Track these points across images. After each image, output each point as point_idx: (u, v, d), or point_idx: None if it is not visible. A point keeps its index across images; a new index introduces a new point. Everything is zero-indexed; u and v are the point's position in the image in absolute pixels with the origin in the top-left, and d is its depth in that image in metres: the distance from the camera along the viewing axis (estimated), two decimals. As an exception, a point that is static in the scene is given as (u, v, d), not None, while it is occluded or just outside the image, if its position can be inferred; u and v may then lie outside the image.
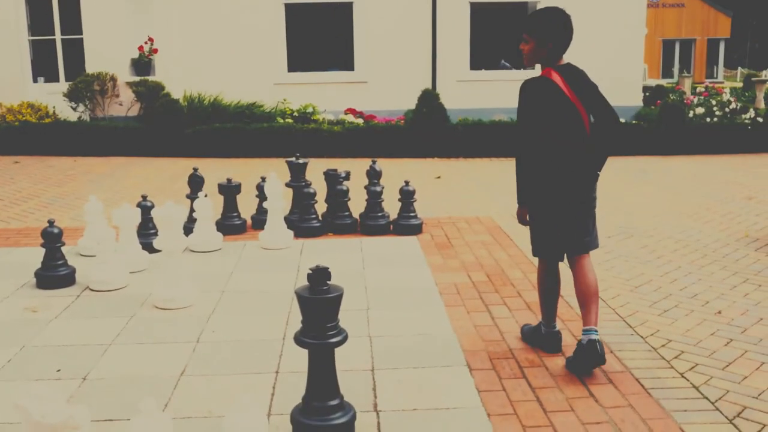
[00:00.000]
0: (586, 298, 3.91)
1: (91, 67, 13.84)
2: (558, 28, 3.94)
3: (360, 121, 13.38)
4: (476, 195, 9.23)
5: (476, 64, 15.18)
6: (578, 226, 3.97)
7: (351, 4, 14.77)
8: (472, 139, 12.81)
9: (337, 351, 3.26)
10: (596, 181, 3.96)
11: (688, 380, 3.87)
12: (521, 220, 4.15)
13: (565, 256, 4.08)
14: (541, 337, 4.21)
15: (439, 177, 10.37)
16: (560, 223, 3.98)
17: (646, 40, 17.40)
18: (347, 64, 15.00)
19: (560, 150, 3.88)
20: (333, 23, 15.10)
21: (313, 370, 3.24)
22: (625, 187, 10.05)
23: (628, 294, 5.39)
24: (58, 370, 4.01)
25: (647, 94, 17.35)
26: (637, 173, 11.25)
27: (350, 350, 3.89)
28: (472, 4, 15.04)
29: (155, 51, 13.94)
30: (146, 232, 6.25)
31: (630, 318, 4.84)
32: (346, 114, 13.79)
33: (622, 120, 13.89)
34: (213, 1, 14.17)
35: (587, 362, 3.80)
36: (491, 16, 15.34)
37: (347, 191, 6.86)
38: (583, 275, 3.95)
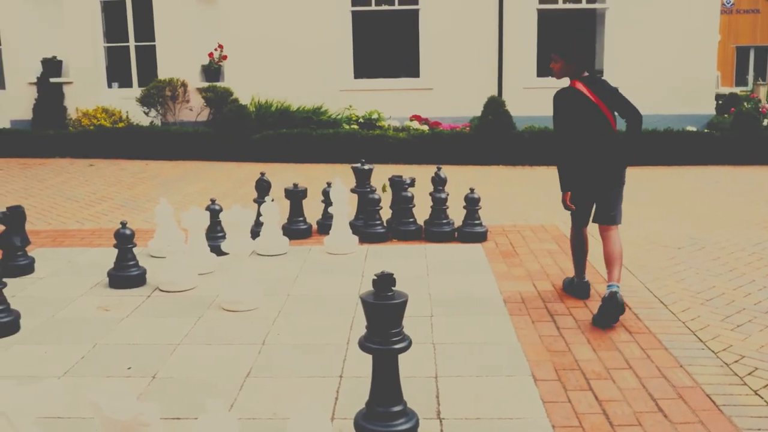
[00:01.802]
0: (611, 261, 4.79)
1: (163, 73, 14.18)
2: (582, 51, 4.86)
3: (425, 127, 13.38)
4: (541, 203, 9.12)
5: (543, 71, 15.04)
6: (606, 203, 4.89)
7: (417, 11, 14.80)
8: (538, 146, 12.68)
9: (401, 357, 3.26)
10: (625, 169, 4.84)
11: (762, 398, 3.75)
12: (565, 206, 4.97)
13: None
14: (573, 287, 5.22)
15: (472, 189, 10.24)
16: (591, 199, 4.94)
17: (720, 47, 16.99)
18: (412, 70, 15.02)
19: (589, 143, 4.79)
20: (399, 30, 15.16)
21: (377, 375, 3.25)
22: (696, 197, 9.80)
23: (699, 307, 5.25)
24: (129, 368, 4.11)
25: (720, 102, 16.91)
26: (709, 183, 10.96)
27: (414, 357, 3.89)
28: (540, 11, 14.90)
29: (224, 58, 14.21)
30: (214, 235, 6.36)
31: (701, 332, 4.71)
32: (411, 120, 13.81)
33: (694, 128, 13.57)
34: (281, 8, 14.37)
35: (610, 312, 4.55)
36: (558, 22, 15.18)
37: (412, 198, 6.87)
38: (610, 243, 4.84)
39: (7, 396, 2.71)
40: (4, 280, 4.74)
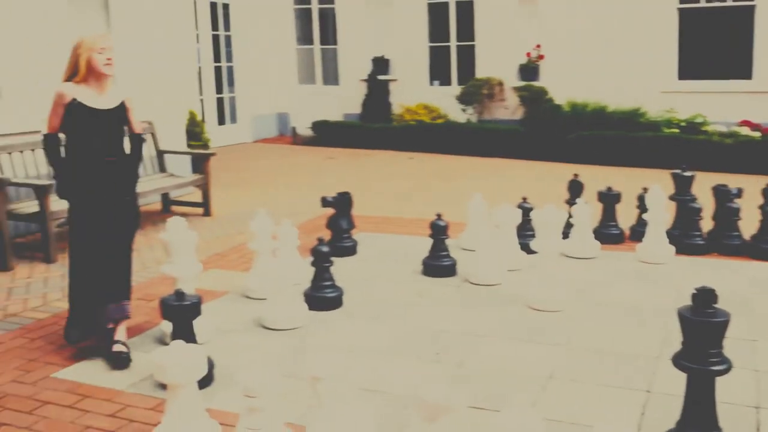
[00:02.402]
0: None
1: (481, 72, 14.55)
2: None
3: (757, 134, 12.26)
4: None
5: None
6: None
7: (752, 7, 13.58)
8: None
9: (718, 381, 3.04)
10: None
11: None
12: None
13: None
14: None
15: None
16: None
17: None
18: (744, 72, 13.82)
19: None
20: (729, 28, 14.03)
21: (690, 396, 3.07)
22: None
23: None
24: (437, 354, 4.30)
25: None
26: None
27: (733, 382, 3.60)
28: None
29: (541, 57, 14.21)
30: (525, 233, 6.40)
31: None
32: (740, 126, 12.73)
33: None
34: (602, 7, 14.01)
35: None
36: None
37: (738, 210, 6.34)
38: None
39: (334, 366, 2.97)
40: (332, 258, 5.20)
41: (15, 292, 5.63)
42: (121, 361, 4.17)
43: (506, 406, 2.78)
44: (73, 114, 4.24)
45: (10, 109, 7.14)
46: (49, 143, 4.35)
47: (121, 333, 4.35)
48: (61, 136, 4.36)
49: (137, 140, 4.55)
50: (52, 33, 7.50)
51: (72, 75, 4.30)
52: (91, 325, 4.34)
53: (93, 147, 4.28)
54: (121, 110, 4.40)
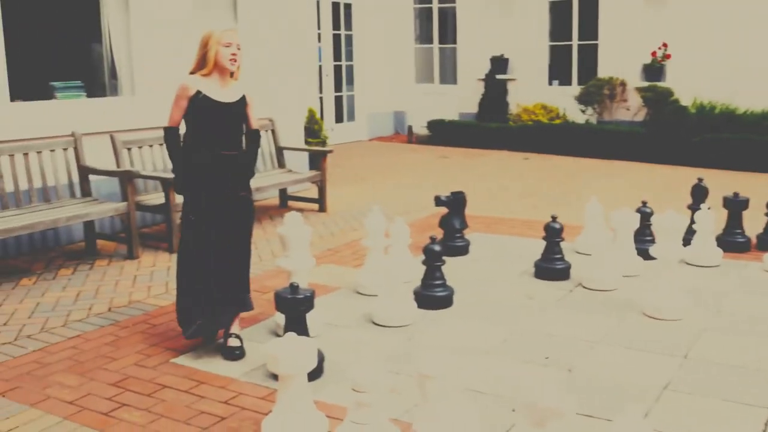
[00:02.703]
0: None
1: (603, 71, 14.18)
2: None
3: None
4: None
5: None
6: None
7: None
8: None
9: None
10: None
11: None
12: None
13: None
14: None
15: None
16: None
17: None
18: None
19: None
20: None
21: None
22: None
23: None
24: (547, 358, 4.23)
25: None
26: None
27: None
28: None
29: (668, 57, 13.70)
30: (643, 238, 6.21)
31: None
32: None
33: None
34: (735, 6, 13.38)
35: None
36: None
37: None
38: None
39: (442, 364, 2.98)
40: (443, 257, 5.20)
41: (140, 279, 5.92)
42: (234, 356, 4.26)
43: (617, 416, 2.71)
44: (196, 106, 4.25)
45: (142, 105, 7.51)
46: (170, 136, 4.39)
47: (235, 326, 4.42)
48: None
49: (254, 136, 4.55)
50: (179, 32, 7.83)
51: (199, 68, 4.32)
52: (210, 323, 4.35)
53: (213, 140, 4.29)
54: (242, 105, 4.39)
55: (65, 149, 6.58)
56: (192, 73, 4.34)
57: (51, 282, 5.80)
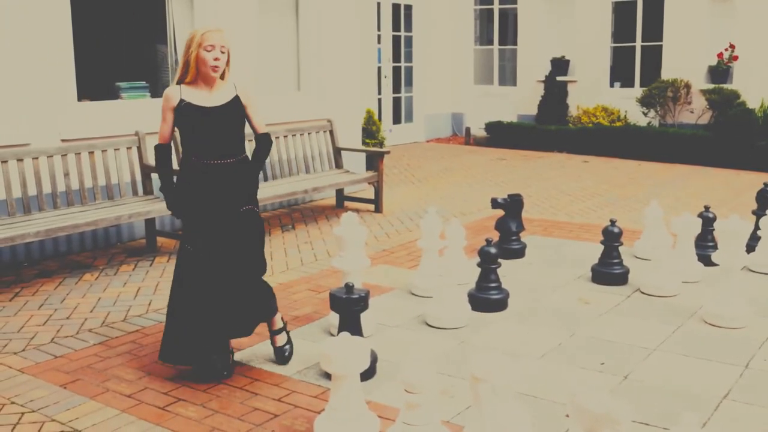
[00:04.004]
0: None
1: (667, 73, 13.89)
2: None
3: None
4: None
5: None
6: None
7: None
8: None
9: None
10: None
11: None
12: None
13: None
14: None
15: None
16: None
17: None
18: None
19: None
20: None
21: None
22: None
23: None
24: (602, 363, 4.17)
25: None
26: None
27: None
28: None
29: (735, 58, 13.36)
30: (704, 243, 6.06)
31: None
32: None
33: None
34: (809, 4, 12.98)
35: None
36: None
37: None
38: None
39: (495, 368, 2.96)
40: (499, 260, 5.16)
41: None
42: (283, 358, 4.17)
43: (674, 425, 2.65)
44: (182, 116, 3.91)
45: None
46: (157, 153, 4.08)
47: (278, 322, 4.21)
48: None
49: (263, 142, 4.14)
50: (243, 32, 7.95)
51: (183, 75, 3.96)
52: (225, 358, 4.03)
53: (202, 149, 3.90)
54: (234, 107, 3.98)
55: (129, 148, 6.74)
56: (178, 81, 3.99)
57: (112, 278, 5.95)
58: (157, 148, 4.09)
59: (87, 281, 5.86)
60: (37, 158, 6.07)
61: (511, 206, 6.38)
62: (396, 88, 14.93)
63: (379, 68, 14.26)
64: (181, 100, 3.91)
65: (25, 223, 5.68)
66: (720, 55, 13.52)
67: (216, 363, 3.99)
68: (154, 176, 6.87)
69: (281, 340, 4.23)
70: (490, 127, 14.70)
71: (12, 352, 4.43)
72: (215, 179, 3.93)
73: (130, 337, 4.66)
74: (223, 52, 3.90)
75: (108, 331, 4.78)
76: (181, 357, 3.99)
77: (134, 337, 4.67)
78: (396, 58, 14.84)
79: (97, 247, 6.86)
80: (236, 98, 3.99)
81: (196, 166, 3.93)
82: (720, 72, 13.57)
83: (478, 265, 5.12)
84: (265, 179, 7.73)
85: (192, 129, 3.94)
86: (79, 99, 6.82)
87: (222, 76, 3.99)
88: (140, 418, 3.60)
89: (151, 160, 6.79)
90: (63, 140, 6.51)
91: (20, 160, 5.97)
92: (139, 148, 6.76)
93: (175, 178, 4.11)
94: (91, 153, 6.46)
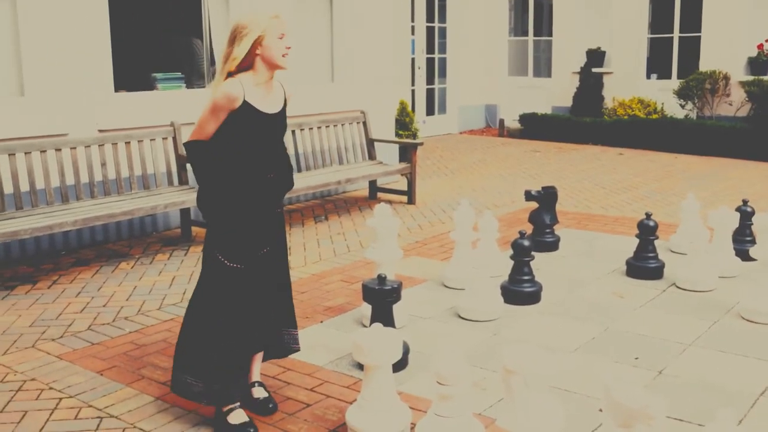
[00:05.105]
0: None
1: (705, 65, 13.68)
2: None
3: None
4: None
5: None
6: None
7: None
8: None
9: None
10: None
11: None
12: None
13: None
14: None
15: None
16: None
17: None
18: None
19: None
20: None
21: None
22: None
23: None
24: (636, 358, 4.13)
25: None
26: None
27: None
28: None
29: (776, 49, 13.13)
30: (742, 238, 5.97)
31: None
32: None
33: None
34: None
35: None
36: None
37: None
38: None
39: (528, 361, 2.94)
40: (532, 253, 5.13)
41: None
42: (266, 409, 3.56)
43: (709, 421, 2.62)
44: (239, 120, 3.27)
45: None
46: (198, 151, 3.36)
47: (256, 371, 3.69)
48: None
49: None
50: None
51: (243, 67, 3.32)
52: (237, 376, 3.51)
53: (256, 162, 3.35)
54: (285, 111, 3.47)
55: (165, 138, 6.80)
56: (232, 74, 3.32)
57: (148, 266, 6.02)
58: (194, 145, 3.35)
59: (123, 270, 5.94)
60: (74, 148, 6.16)
61: (545, 198, 6.34)
62: (429, 80, 14.89)
63: (413, 59, 14.23)
64: (244, 102, 3.26)
65: (63, 212, 5.77)
66: (760, 46, 13.28)
67: (232, 392, 3.44)
68: (190, 167, 6.93)
69: (261, 391, 3.65)
70: (524, 118, 14.60)
71: (50, 339, 4.51)
72: (268, 194, 3.44)
73: (165, 326, 4.71)
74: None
75: (143, 319, 4.85)
76: (202, 384, 3.39)
77: (169, 325, 4.72)
78: (430, 49, 14.79)
79: (133, 236, 6.94)
80: (285, 102, 3.48)
81: (249, 181, 3.35)
82: (760, 63, 13.33)
83: (512, 257, 5.10)
84: (299, 170, 7.75)
85: (250, 138, 3.33)
86: (116, 90, 6.89)
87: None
88: (175, 405, 3.64)
89: (186, 150, 6.84)
90: (100, 130, 6.59)
91: (58, 149, 6.06)
92: (174, 138, 6.82)
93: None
94: (128, 143, 6.54)
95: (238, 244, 3.39)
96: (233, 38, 3.29)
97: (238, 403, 3.43)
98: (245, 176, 3.33)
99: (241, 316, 3.42)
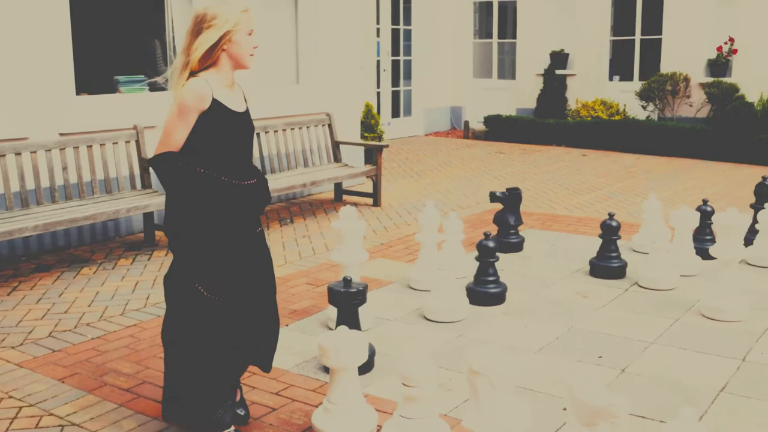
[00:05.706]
0: None
1: (666, 67, 13.88)
2: None
3: None
4: None
5: None
6: None
7: None
8: None
9: None
10: None
11: None
12: None
13: None
14: None
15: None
16: None
17: None
18: None
19: None
20: None
21: None
22: None
23: None
24: (600, 357, 4.18)
25: None
26: None
27: None
28: None
29: (734, 52, 13.35)
30: (702, 237, 6.07)
31: None
32: None
33: None
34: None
35: None
36: None
37: None
38: None
39: (493, 361, 2.96)
40: (497, 254, 5.16)
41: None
42: (241, 418, 3.45)
43: (671, 418, 2.65)
44: (211, 121, 2.99)
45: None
46: (169, 166, 3.01)
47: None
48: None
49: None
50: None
51: (203, 63, 3.03)
52: (214, 403, 3.21)
53: (237, 166, 3.09)
54: (249, 112, 3.24)
55: (127, 142, 6.72)
56: (195, 72, 3.04)
57: (110, 271, 5.95)
58: (166, 158, 3.01)
59: (85, 275, 5.86)
60: (35, 152, 6.07)
61: (510, 200, 6.38)
62: (395, 82, 14.91)
63: (378, 62, 14.25)
64: (213, 100, 3.00)
65: (24, 217, 5.68)
66: (719, 48, 13.51)
67: (225, 417, 3.22)
68: (152, 170, 6.86)
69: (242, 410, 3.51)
70: (489, 120, 14.70)
71: (10, 346, 4.44)
72: (245, 203, 3.13)
73: (128, 331, 4.66)
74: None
75: (106, 325, 4.79)
76: (193, 415, 3.23)
77: (132, 331, 4.67)
78: (395, 51, 14.82)
79: (96, 241, 6.85)
80: (246, 103, 3.26)
81: (225, 188, 3.04)
82: (719, 65, 13.57)
83: (477, 258, 5.12)
84: (265, 173, 7.71)
85: (227, 139, 3.06)
86: (78, 93, 6.80)
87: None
88: (138, 412, 3.60)
89: (149, 153, 6.78)
90: (61, 134, 6.49)
91: (18, 154, 5.96)
92: (137, 141, 6.75)
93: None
94: (90, 147, 6.45)
95: (219, 271, 3.09)
96: (198, 29, 3.02)
97: (233, 428, 3.27)
98: (226, 185, 3.03)
99: (229, 347, 3.18)
